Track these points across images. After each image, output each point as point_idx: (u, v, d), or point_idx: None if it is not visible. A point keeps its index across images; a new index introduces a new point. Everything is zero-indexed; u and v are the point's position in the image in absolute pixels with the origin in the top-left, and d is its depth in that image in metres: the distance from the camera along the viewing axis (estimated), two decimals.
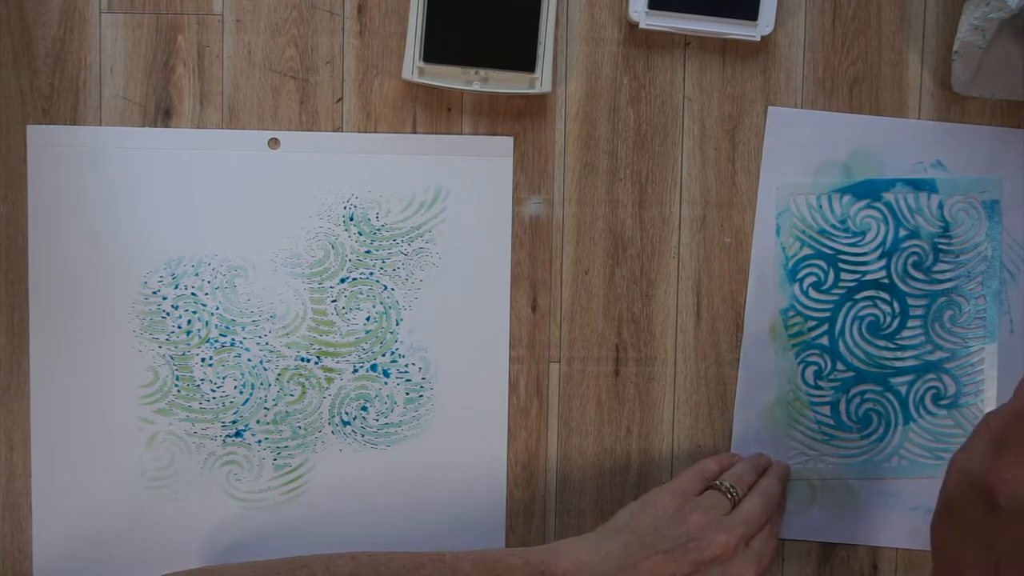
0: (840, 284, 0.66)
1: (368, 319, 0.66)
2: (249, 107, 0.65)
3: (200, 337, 0.65)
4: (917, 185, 0.66)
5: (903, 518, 0.67)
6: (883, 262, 0.66)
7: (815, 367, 0.67)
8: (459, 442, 0.66)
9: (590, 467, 0.67)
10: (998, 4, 0.60)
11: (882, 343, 0.66)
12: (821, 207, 0.66)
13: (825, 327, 0.66)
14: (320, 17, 0.65)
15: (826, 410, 0.67)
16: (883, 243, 0.66)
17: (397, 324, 0.66)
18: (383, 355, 0.66)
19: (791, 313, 0.66)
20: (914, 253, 0.66)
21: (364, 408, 0.66)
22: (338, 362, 0.66)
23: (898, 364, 0.67)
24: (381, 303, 0.66)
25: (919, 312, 0.66)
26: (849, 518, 0.67)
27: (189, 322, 0.65)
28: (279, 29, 0.65)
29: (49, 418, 0.65)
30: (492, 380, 0.66)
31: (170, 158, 0.65)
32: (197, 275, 0.65)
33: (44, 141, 0.64)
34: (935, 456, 0.67)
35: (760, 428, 0.67)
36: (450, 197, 0.65)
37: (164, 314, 0.65)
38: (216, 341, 0.65)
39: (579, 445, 0.67)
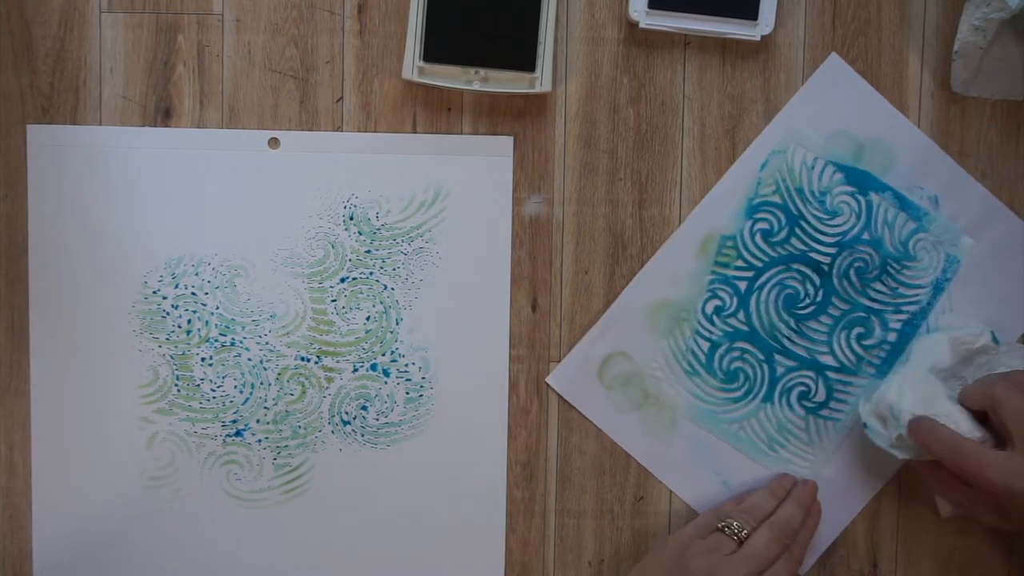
0: (785, 245, 0.66)
1: (368, 319, 0.65)
2: (249, 107, 0.65)
3: (200, 337, 0.65)
4: (904, 204, 0.66)
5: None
6: (834, 250, 0.66)
7: (718, 302, 0.66)
8: (459, 442, 0.66)
9: (590, 467, 0.67)
10: (998, 4, 0.60)
11: (788, 319, 0.66)
12: (812, 169, 0.65)
13: (750, 273, 0.66)
14: (320, 17, 0.65)
15: (705, 346, 0.66)
16: (844, 234, 0.66)
17: (397, 324, 0.66)
18: (383, 355, 0.66)
19: (729, 243, 0.66)
20: (862, 259, 0.66)
21: (364, 408, 0.66)
22: (338, 361, 0.66)
23: (789, 345, 0.66)
24: (381, 303, 0.66)
25: (835, 313, 0.66)
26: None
27: (189, 321, 0.65)
28: (279, 29, 0.65)
29: (49, 418, 0.65)
30: (492, 380, 0.66)
31: (170, 158, 0.65)
32: (197, 275, 0.65)
33: (44, 141, 0.64)
34: (769, 446, 0.66)
35: (636, 322, 0.66)
36: (450, 197, 0.65)
37: (164, 314, 0.65)
38: (216, 341, 0.65)
39: (579, 445, 0.67)
